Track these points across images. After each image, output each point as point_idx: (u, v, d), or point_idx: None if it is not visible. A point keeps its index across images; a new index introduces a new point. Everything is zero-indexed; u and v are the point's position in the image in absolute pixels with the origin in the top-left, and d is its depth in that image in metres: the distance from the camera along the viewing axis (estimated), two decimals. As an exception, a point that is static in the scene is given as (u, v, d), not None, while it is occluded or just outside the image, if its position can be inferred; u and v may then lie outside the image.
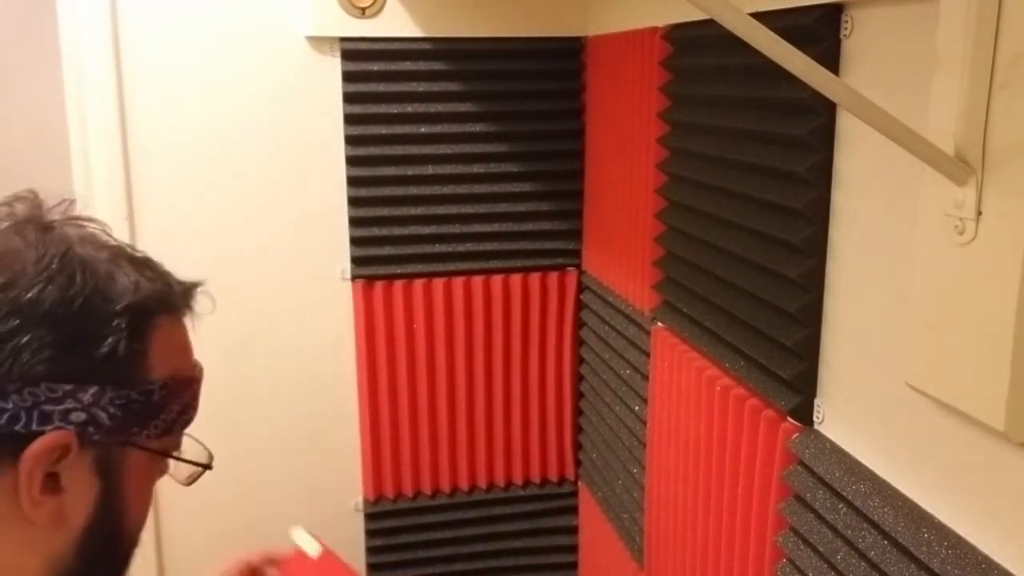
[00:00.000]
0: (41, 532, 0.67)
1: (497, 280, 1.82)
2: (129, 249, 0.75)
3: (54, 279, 0.66)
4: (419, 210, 1.77)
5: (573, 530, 1.96)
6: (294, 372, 1.83)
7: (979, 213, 0.71)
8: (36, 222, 0.70)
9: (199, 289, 0.78)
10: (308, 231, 1.78)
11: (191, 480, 0.79)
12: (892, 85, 0.86)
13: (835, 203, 0.97)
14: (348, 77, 1.70)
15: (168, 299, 0.74)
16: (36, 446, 0.64)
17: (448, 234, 1.79)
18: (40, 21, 1.82)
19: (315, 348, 1.83)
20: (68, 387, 0.66)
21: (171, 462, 0.77)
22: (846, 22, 0.93)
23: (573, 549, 1.96)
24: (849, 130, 0.94)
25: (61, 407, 0.66)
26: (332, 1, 1.64)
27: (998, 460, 0.74)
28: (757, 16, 0.81)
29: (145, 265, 0.74)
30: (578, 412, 1.91)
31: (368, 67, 1.69)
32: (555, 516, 1.95)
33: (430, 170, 1.75)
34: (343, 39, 1.67)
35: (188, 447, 0.78)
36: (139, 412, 0.70)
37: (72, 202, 0.74)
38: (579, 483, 1.94)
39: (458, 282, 1.81)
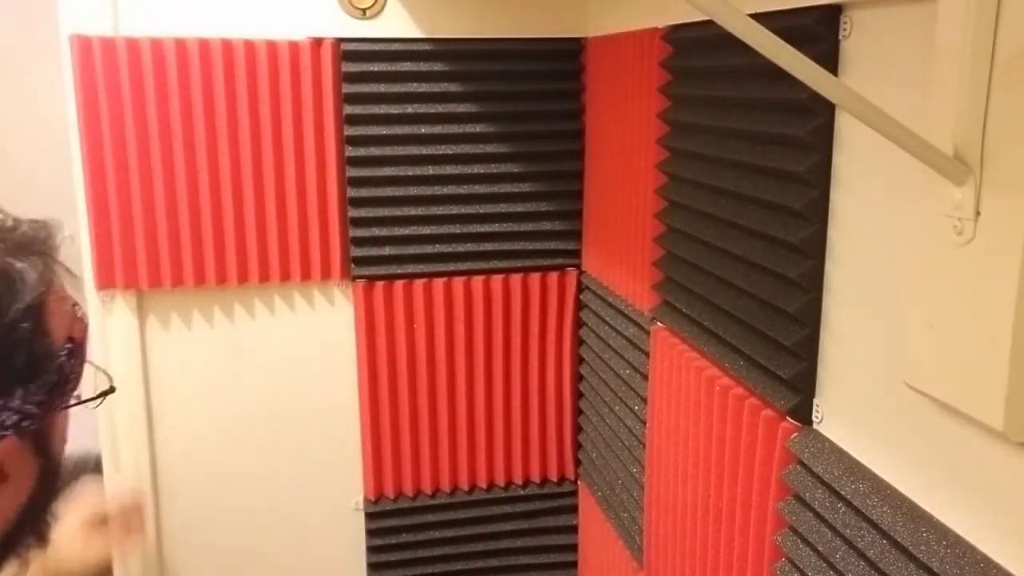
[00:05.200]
0: None
1: (497, 280, 1.82)
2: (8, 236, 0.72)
3: None
4: (419, 210, 1.77)
5: (573, 529, 1.96)
6: (295, 372, 1.83)
7: (977, 213, 0.71)
8: None
9: (54, 232, 0.76)
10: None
11: (98, 404, 0.82)
12: (891, 86, 0.86)
13: (834, 203, 0.97)
14: (348, 78, 1.70)
15: (46, 275, 0.73)
16: None
17: (448, 234, 1.79)
18: (42, 19, 1.82)
19: (316, 348, 1.83)
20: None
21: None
22: (845, 23, 0.93)
23: (573, 548, 1.97)
24: (848, 131, 0.94)
25: None
26: (332, 2, 1.65)
27: (996, 459, 0.75)
28: (756, 17, 0.81)
29: (20, 250, 0.72)
30: (578, 412, 1.91)
31: (368, 68, 1.69)
32: (555, 515, 1.96)
33: (430, 170, 1.75)
34: (344, 40, 1.68)
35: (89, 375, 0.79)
36: (57, 384, 0.72)
37: None
38: (579, 482, 1.94)
39: (458, 282, 1.81)
